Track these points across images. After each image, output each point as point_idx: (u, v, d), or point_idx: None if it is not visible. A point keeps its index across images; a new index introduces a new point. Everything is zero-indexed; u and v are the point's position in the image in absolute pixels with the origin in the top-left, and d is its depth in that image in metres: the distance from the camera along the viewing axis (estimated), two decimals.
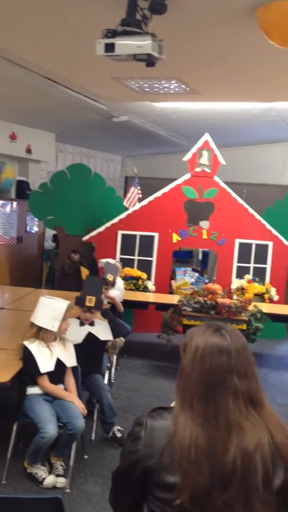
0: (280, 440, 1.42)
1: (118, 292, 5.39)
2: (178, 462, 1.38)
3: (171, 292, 7.25)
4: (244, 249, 7.12)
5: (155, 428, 1.45)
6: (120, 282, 5.71)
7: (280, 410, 5.14)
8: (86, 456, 3.66)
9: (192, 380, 1.44)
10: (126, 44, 2.84)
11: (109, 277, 5.10)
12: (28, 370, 3.37)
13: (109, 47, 2.88)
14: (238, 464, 1.36)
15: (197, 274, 7.63)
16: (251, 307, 5.56)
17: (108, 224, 7.05)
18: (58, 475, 3.33)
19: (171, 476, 1.39)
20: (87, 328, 4.08)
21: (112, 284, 5.16)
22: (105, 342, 4.23)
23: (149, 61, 3.03)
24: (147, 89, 5.07)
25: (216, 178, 7.00)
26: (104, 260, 5.62)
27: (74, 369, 3.59)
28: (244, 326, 5.32)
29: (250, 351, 1.47)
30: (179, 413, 1.44)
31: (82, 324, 4.09)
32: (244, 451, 1.38)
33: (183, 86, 4.85)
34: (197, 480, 1.36)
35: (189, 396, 1.44)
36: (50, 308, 3.45)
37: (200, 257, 9.23)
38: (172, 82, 4.72)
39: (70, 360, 3.54)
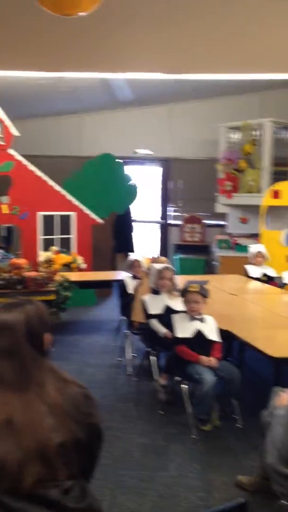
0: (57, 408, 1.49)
1: None
2: None
3: None
4: (48, 222, 7.13)
5: None
6: None
7: (92, 371, 5.31)
8: None
9: None
10: None
11: None
12: None
13: None
14: None
15: (2, 251, 7.42)
16: (58, 278, 5.64)
17: None
18: None
19: None
20: None
21: None
22: None
23: None
24: None
25: (11, 151, 6.81)
26: None
27: None
28: (53, 297, 5.38)
29: (32, 326, 1.53)
30: None
31: None
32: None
33: None
34: None
35: None
36: None
37: (5, 233, 8.95)
38: None
39: None
